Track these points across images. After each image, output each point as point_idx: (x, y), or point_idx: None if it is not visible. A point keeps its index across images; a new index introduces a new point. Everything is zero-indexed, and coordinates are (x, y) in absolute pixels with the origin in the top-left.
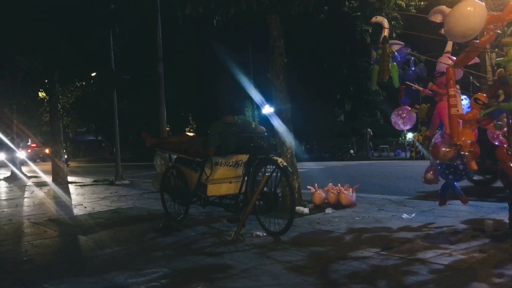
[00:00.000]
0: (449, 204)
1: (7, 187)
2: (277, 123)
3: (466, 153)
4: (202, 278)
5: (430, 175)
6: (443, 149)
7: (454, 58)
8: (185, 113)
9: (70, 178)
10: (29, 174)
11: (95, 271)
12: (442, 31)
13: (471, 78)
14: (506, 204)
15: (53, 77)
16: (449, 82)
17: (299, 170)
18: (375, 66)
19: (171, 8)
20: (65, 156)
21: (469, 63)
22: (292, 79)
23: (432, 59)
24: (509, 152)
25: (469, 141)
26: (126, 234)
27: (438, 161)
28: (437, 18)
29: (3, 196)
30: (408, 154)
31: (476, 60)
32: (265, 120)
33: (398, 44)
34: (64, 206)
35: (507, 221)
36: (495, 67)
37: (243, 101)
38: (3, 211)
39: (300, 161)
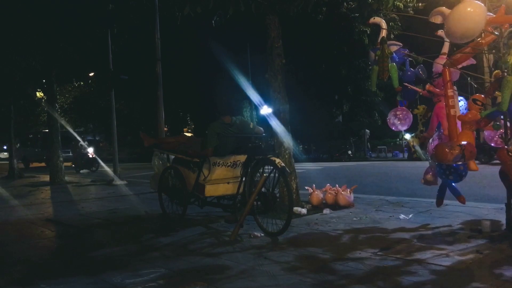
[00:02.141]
0: (446, 205)
1: (4, 187)
2: (275, 124)
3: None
4: (200, 279)
5: (429, 176)
6: (447, 150)
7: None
8: (183, 113)
9: (67, 178)
10: (26, 174)
11: (93, 271)
12: (439, 33)
13: (468, 79)
14: (503, 205)
15: (51, 77)
16: (446, 83)
17: (297, 170)
18: (374, 67)
19: (169, 9)
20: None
21: (465, 65)
22: (291, 80)
23: (430, 60)
24: (510, 153)
25: (468, 142)
26: (123, 234)
27: (437, 162)
28: (438, 20)
29: (0, 196)
30: (406, 155)
31: (472, 61)
32: (263, 121)
33: (396, 45)
34: (61, 206)
35: (504, 222)
36: (493, 69)
37: (241, 101)
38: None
39: (298, 162)
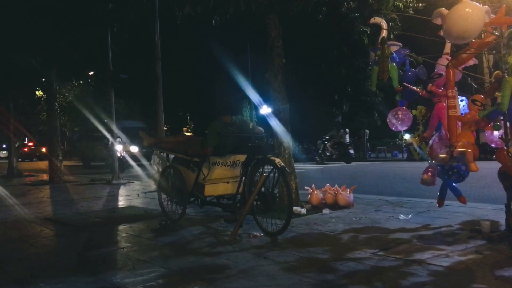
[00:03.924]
0: (446, 205)
1: (3, 185)
2: (275, 124)
3: (457, 155)
4: (199, 278)
5: (427, 176)
6: (440, 150)
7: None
8: (183, 113)
9: (66, 177)
10: (26, 173)
11: (92, 271)
12: (441, 33)
13: (468, 79)
14: (502, 206)
15: (50, 76)
16: (448, 83)
17: (296, 170)
18: (374, 67)
19: (169, 8)
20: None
21: (468, 65)
22: (290, 80)
23: (430, 60)
24: (510, 154)
25: (468, 142)
26: (123, 233)
27: (436, 162)
28: (438, 21)
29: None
30: (406, 155)
31: (475, 61)
32: (263, 121)
33: (397, 45)
34: (60, 205)
35: (503, 222)
36: (492, 69)
37: (241, 101)
38: None
39: (297, 162)
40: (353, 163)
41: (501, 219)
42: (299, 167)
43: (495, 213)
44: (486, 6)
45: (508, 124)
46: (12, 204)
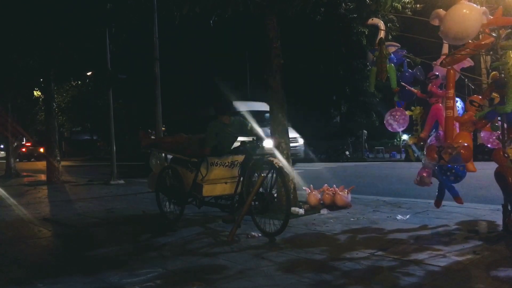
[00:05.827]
0: (444, 205)
1: (1, 186)
2: (273, 124)
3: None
4: (197, 279)
5: (422, 176)
6: (434, 151)
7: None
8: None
9: (64, 178)
10: (23, 173)
11: (90, 271)
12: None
13: (466, 80)
14: (499, 206)
15: (48, 76)
16: (448, 84)
17: (294, 171)
18: (373, 68)
19: (168, 8)
20: None
21: (465, 66)
22: (289, 80)
23: (427, 61)
24: (506, 155)
25: (466, 144)
26: (120, 234)
27: (433, 163)
28: (436, 22)
29: None
30: (404, 156)
31: (470, 62)
32: None
33: (394, 46)
34: (58, 205)
35: (500, 223)
36: (490, 70)
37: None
38: None
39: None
40: (352, 164)
41: (498, 219)
42: (297, 167)
43: (492, 214)
44: (484, 7)
45: (505, 125)
46: (10, 204)
